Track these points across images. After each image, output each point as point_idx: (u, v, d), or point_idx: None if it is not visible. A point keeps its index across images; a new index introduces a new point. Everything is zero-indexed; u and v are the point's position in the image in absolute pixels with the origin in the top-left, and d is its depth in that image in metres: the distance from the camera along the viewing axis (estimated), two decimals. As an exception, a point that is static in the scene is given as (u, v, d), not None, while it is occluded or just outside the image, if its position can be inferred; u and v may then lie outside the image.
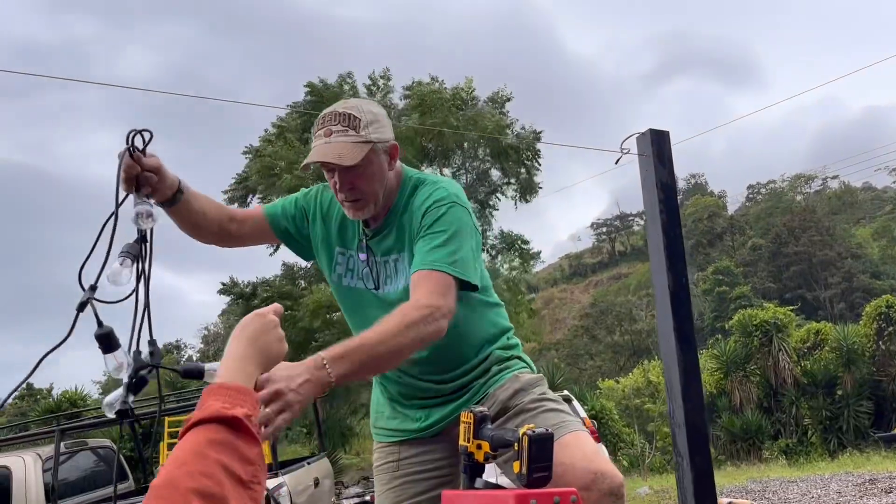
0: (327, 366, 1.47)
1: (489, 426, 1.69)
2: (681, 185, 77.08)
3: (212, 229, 1.98)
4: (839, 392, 20.59)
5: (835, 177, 71.86)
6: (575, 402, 9.22)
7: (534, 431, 1.48)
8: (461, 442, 1.68)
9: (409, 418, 2.08)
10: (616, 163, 2.52)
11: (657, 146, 2.58)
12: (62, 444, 6.77)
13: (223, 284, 20.56)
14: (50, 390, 33.60)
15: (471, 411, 1.70)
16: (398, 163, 1.97)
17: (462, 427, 1.70)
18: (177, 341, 66.34)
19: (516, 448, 1.47)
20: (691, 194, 74.94)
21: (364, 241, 1.98)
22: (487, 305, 2.06)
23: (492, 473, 1.79)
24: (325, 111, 1.90)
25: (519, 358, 2.10)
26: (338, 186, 1.88)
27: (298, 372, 1.41)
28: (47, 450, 6.88)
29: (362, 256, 1.98)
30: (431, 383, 2.01)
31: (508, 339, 2.11)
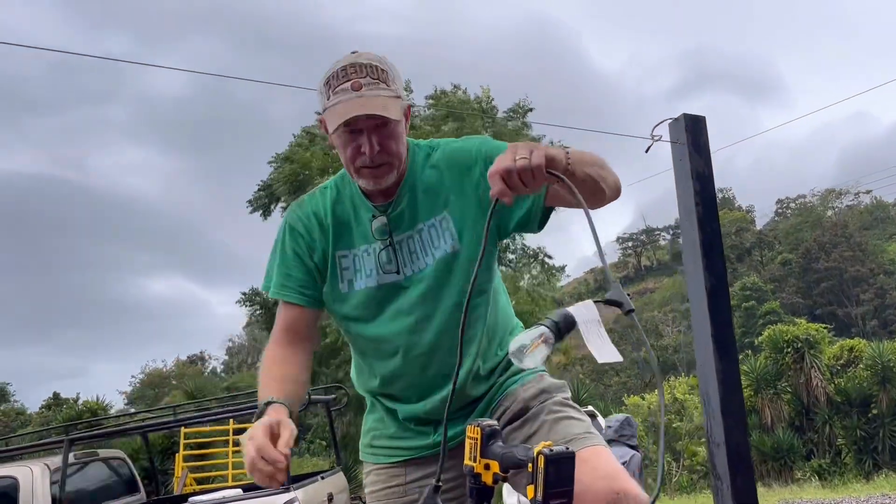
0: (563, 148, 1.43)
1: (499, 443, 1.47)
2: (708, 199, 76.04)
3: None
4: (874, 411, 20.03)
5: (867, 192, 70.58)
6: (600, 418, 8.93)
7: (551, 450, 1.26)
8: (466, 461, 1.47)
9: (420, 434, 1.83)
10: (647, 151, 2.27)
11: (693, 133, 2.34)
12: (72, 454, 6.62)
13: (243, 294, 20.52)
14: (76, 400, 33.82)
15: (478, 425, 1.48)
16: None
17: (468, 444, 1.49)
18: (201, 353, 66.83)
19: (530, 469, 1.26)
20: (719, 209, 73.90)
21: (378, 218, 1.73)
22: (504, 293, 1.90)
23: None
24: (338, 63, 1.66)
25: None
26: (365, 148, 1.64)
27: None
28: (57, 460, 6.73)
29: (378, 226, 1.73)
30: (447, 376, 1.72)
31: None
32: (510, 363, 1.80)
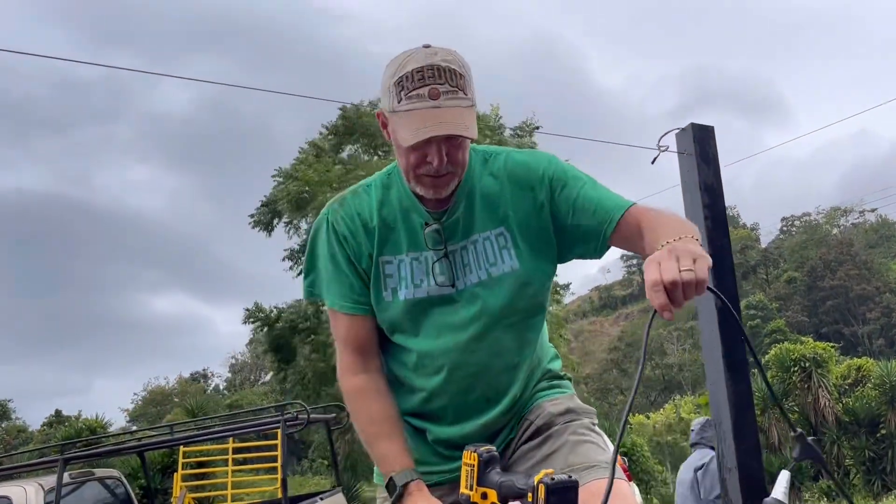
0: (679, 238, 1.31)
1: (497, 469, 1.38)
2: (712, 217, 76.14)
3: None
4: (883, 431, 19.79)
5: (872, 210, 70.45)
6: (605, 438, 8.77)
7: (552, 478, 1.21)
8: (462, 489, 1.40)
9: (448, 459, 1.68)
10: (653, 162, 2.18)
11: (701, 144, 2.24)
12: (67, 474, 6.51)
13: (247, 310, 20.43)
14: (78, 417, 33.68)
15: (475, 450, 1.40)
16: None
17: (464, 471, 1.41)
18: (204, 370, 66.66)
19: (530, 499, 1.21)
20: (723, 226, 73.85)
21: (432, 225, 1.59)
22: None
23: None
24: (409, 58, 1.50)
25: (570, 380, 1.83)
26: (433, 159, 1.49)
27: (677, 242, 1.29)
28: (52, 479, 6.61)
29: (431, 234, 1.59)
30: (494, 407, 1.65)
31: (557, 354, 1.84)
32: (542, 378, 1.73)
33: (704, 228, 2.22)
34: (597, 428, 1.73)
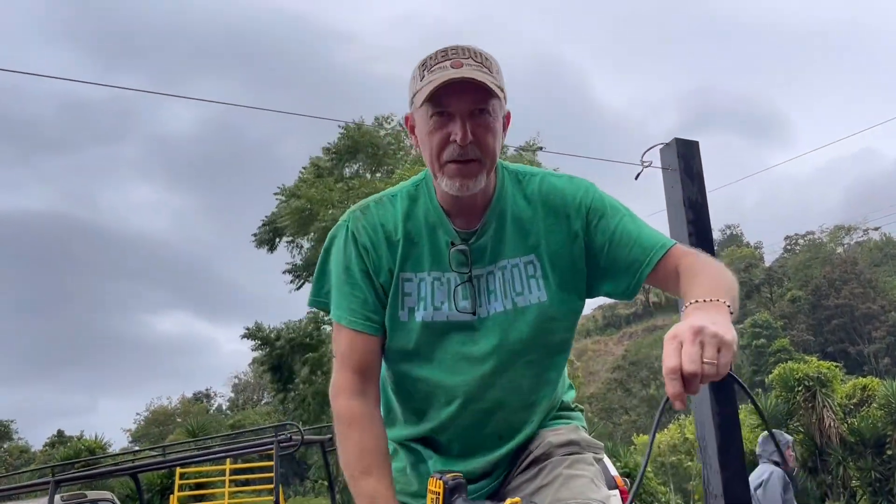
0: (712, 299, 1.23)
1: (463, 497, 1.32)
2: (716, 235, 76.13)
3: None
4: (889, 452, 19.58)
5: (876, 228, 70.28)
6: (606, 460, 8.66)
7: None
8: None
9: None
10: (636, 178, 2.13)
11: (685, 159, 2.19)
12: (59, 496, 6.44)
13: (247, 329, 20.42)
14: (80, 438, 33.53)
15: (440, 478, 1.33)
16: None
17: (429, 498, 1.34)
18: (207, 390, 66.45)
19: None
20: (726, 245, 73.85)
21: (458, 246, 1.50)
22: None
23: None
24: (436, 50, 1.46)
25: (581, 412, 1.74)
26: (456, 135, 1.40)
27: (699, 314, 1.18)
28: (44, 502, 6.52)
29: (457, 256, 1.50)
30: (505, 445, 1.57)
31: (571, 384, 1.74)
32: (552, 408, 1.63)
33: (689, 245, 2.16)
34: (602, 462, 1.64)
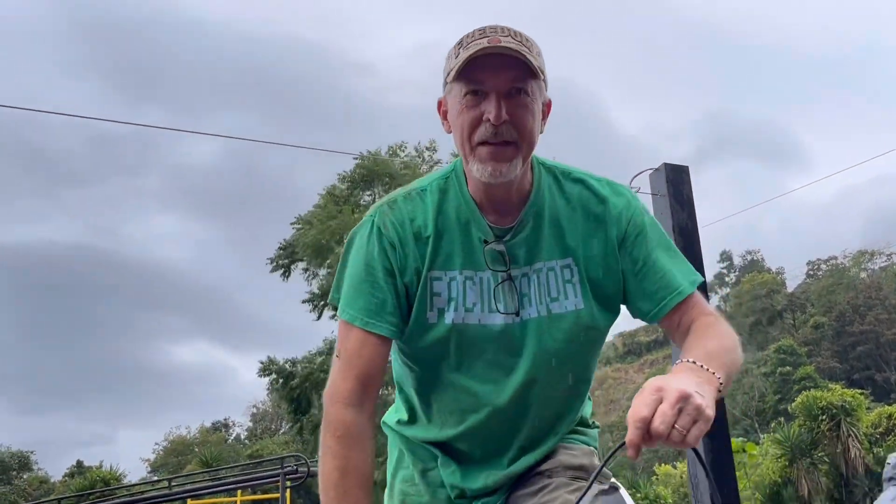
0: (708, 368, 1.18)
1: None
2: (737, 261, 75.54)
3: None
4: (918, 483, 19.02)
5: (900, 253, 69.20)
6: (622, 491, 8.42)
7: None
8: None
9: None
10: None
11: (674, 185, 2.13)
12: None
13: (261, 363, 20.51)
14: (99, 467, 33.55)
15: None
16: None
17: None
18: (225, 419, 66.41)
19: None
20: (748, 270, 73.12)
21: (493, 243, 1.41)
22: None
23: None
24: (474, 29, 1.37)
25: (597, 428, 1.67)
26: (489, 114, 1.31)
27: (689, 378, 1.13)
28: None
29: (493, 253, 1.40)
30: (526, 457, 1.49)
31: (589, 396, 1.65)
32: (571, 426, 1.56)
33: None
34: (618, 493, 1.51)
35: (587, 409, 1.63)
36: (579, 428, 1.58)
